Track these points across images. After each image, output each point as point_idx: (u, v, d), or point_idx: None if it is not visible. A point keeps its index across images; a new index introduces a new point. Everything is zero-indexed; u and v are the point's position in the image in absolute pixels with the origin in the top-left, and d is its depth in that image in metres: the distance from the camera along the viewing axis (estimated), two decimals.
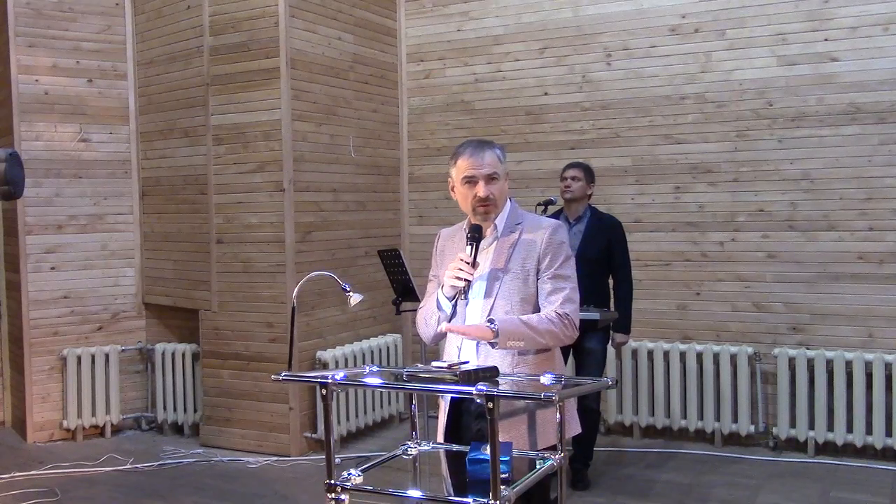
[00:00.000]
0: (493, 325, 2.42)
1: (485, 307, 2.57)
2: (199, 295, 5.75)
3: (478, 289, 2.61)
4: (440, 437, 2.63)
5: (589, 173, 4.76)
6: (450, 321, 2.65)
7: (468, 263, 2.53)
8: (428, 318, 2.70)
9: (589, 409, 4.62)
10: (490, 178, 2.59)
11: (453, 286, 2.56)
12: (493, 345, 2.43)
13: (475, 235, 2.58)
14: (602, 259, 4.67)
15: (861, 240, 5.12)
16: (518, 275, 2.58)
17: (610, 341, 4.75)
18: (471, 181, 2.61)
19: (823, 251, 5.20)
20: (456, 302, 2.64)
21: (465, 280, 2.53)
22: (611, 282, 4.81)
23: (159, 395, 6.10)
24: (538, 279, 2.58)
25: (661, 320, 5.62)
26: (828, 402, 5.08)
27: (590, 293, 4.43)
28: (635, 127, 5.67)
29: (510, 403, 2.50)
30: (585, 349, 4.58)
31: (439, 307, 2.65)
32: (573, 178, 4.70)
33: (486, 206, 2.60)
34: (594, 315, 4.43)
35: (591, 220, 4.73)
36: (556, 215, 4.71)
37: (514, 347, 2.48)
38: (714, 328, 5.48)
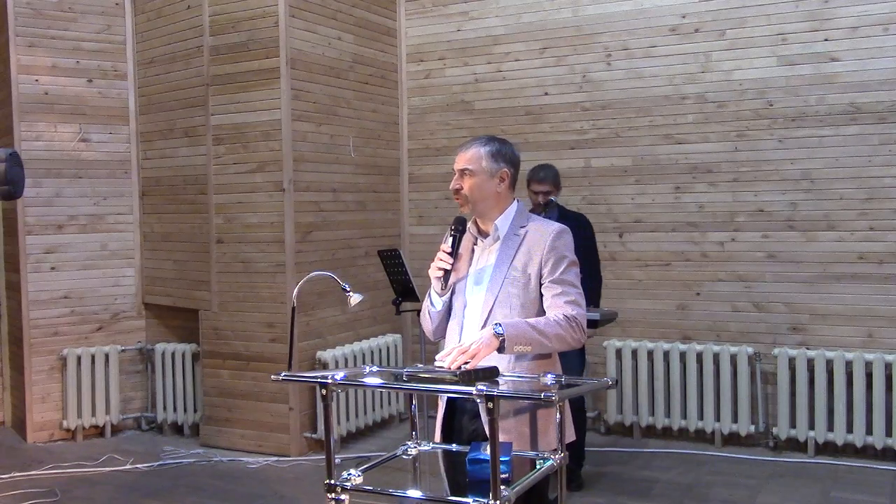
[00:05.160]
0: (498, 330, 2.38)
1: (483, 311, 2.55)
2: (199, 295, 5.75)
3: (477, 292, 2.60)
4: (437, 437, 2.63)
5: (557, 182, 4.63)
6: (448, 321, 2.67)
7: (448, 254, 2.59)
8: (426, 312, 2.74)
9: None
10: (462, 173, 2.61)
11: (437, 277, 2.61)
12: (500, 350, 2.39)
13: (458, 228, 2.62)
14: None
15: (861, 240, 5.12)
16: (518, 279, 2.54)
17: None
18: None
19: (823, 251, 5.20)
20: (453, 301, 2.65)
21: (443, 270, 2.58)
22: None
23: (159, 395, 6.10)
24: (541, 284, 2.54)
25: (661, 320, 5.61)
26: (828, 402, 5.08)
27: None
28: (635, 127, 5.67)
29: (509, 403, 2.49)
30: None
31: (432, 303, 2.68)
32: (545, 194, 4.56)
33: (458, 200, 2.64)
34: (594, 315, 4.42)
35: (559, 219, 4.68)
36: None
37: (522, 352, 2.43)
38: (714, 328, 5.48)
